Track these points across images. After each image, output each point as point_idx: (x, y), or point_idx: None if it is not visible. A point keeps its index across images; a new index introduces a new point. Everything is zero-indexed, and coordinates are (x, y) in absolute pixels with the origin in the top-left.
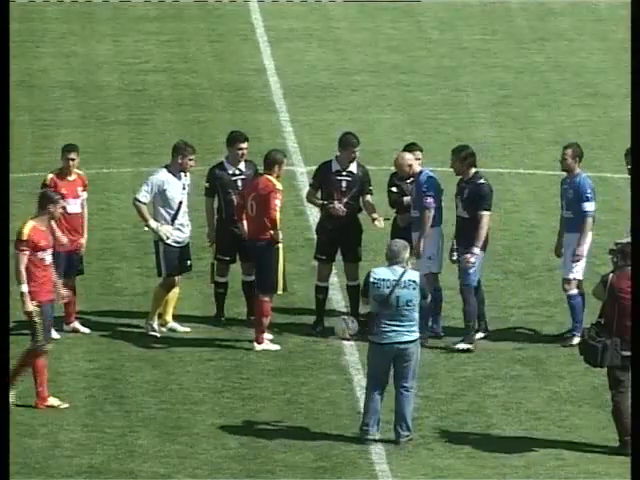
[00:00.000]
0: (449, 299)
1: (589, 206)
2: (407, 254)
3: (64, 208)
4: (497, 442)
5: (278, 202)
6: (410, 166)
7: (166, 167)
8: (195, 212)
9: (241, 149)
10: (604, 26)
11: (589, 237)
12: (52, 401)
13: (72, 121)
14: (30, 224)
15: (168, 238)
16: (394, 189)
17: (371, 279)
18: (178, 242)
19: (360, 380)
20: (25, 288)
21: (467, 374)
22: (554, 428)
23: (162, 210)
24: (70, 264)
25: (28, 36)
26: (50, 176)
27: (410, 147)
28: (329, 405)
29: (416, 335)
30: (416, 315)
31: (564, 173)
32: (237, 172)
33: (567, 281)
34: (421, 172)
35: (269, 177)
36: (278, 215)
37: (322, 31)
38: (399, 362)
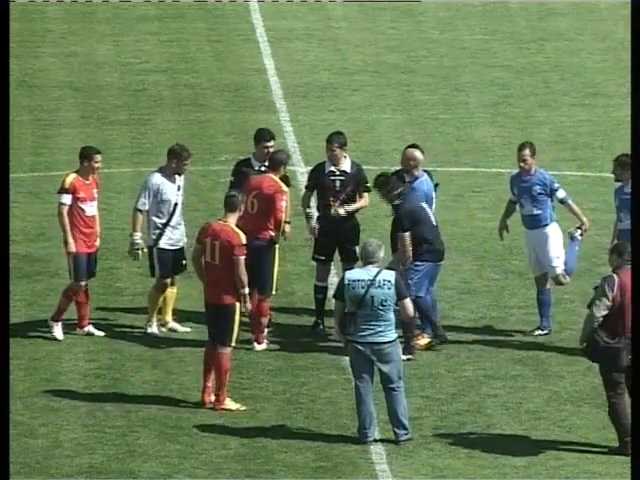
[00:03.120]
0: (449, 299)
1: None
2: (382, 254)
3: (83, 211)
4: (497, 442)
5: (284, 203)
6: (409, 164)
7: (160, 169)
8: (196, 212)
9: (267, 147)
10: (604, 26)
11: None
12: (229, 404)
13: (72, 121)
14: (235, 226)
15: (137, 256)
16: (397, 202)
17: (345, 281)
18: (172, 244)
19: None
20: (247, 290)
21: (467, 374)
22: (554, 428)
23: (157, 213)
24: (89, 267)
25: (28, 36)
26: (70, 179)
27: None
28: (329, 405)
29: (393, 336)
30: (392, 315)
31: (565, 173)
32: (263, 168)
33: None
34: (417, 178)
35: (274, 177)
36: (284, 217)
37: (322, 31)
38: (380, 363)
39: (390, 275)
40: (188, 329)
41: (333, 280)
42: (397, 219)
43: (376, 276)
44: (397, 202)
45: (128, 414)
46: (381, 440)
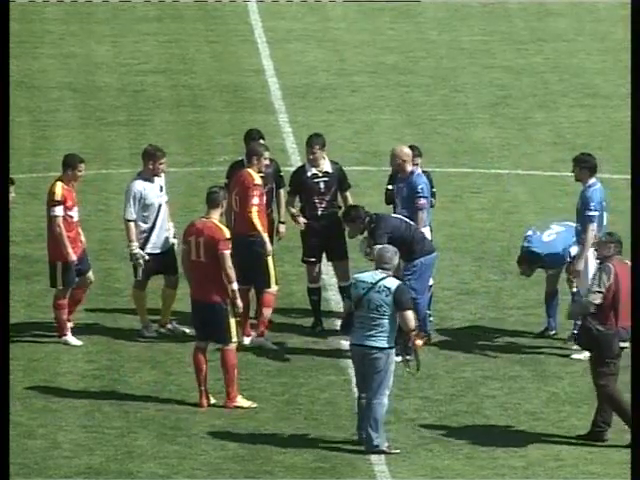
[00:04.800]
0: (448, 300)
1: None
2: (396, 260)
3: (71, 217)
4: (496, 443)
5: (256, 200)
6: (403, 162)
7: (139, 175)
8: (195, 213)
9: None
10: (603, 27)
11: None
12: (240, 401)
13: (71, 122)
14: (219, 222)
15: (141, 265)
16: (390, 187)
17: (352, 279)
18: (159, 247)
19: None
20: (236, 285)
21: (466, 375)
22: (553, 429)
23: (143, 218)
24: (79, 269)
25: (27, 37)
26: (60, 190)
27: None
28: (328, 406)
29: (384, 344)
30: (387, 323)
31: (564, 174)
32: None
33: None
34: (413, 172)
35: (250, 171)
36: (254, 215)
37: (321, 32)
38: (366, 366)
39: (392, 283)
40: (187, 330)
41: (332, 281)
42: (375, 237)
43: (378, 281)
44: (372, 225)
45: (127, 415)
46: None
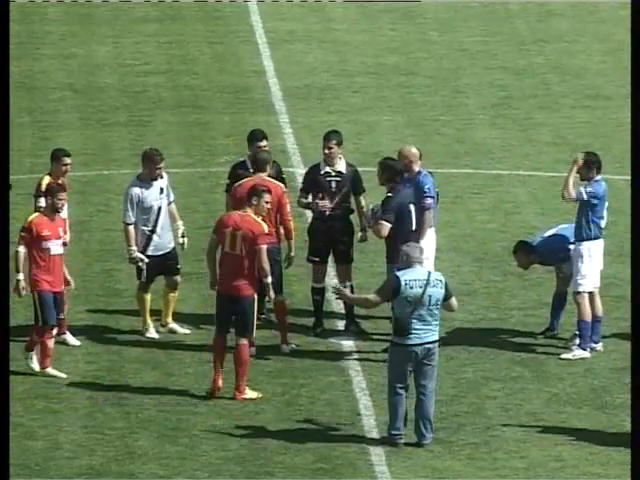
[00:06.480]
0: None
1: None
2: (423, 255)
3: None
4: (497, 444)
5: (288, 207)
6: (410, 162)
7: (137, 178)
8: (196, 213)
9: (260, 147)
10: (604, 27)
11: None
12: (249, 394)
13: (72, 123)
14: (255, 217)
15: (141, 269)
16: (390, 194)
17: (402, 281)
18: (160, 249)
19: (360, 382)
20: (270, 279)
21: (467, 375)
22: (554, 429)
23: (143, 221)
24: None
25: (28, 37)
26: (47, 183)
27: None
28: (329, 406)
29: (437, 335)
30: (439, 314)
31: (565, 175)
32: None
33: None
34: (420, 172)
35: (271, 179)
36: (292, 222)
37: (322, 32)
38: (425, 362)
39: (440, 275)
40: (188, 331)
41: (332, 282)
42: (383, 209)
43: (429, 276)
44: (389, 194)
45: (128, 416)
46: (381, 442)
